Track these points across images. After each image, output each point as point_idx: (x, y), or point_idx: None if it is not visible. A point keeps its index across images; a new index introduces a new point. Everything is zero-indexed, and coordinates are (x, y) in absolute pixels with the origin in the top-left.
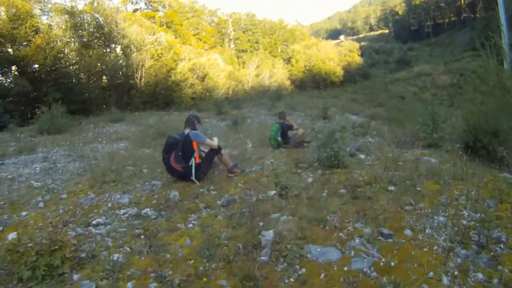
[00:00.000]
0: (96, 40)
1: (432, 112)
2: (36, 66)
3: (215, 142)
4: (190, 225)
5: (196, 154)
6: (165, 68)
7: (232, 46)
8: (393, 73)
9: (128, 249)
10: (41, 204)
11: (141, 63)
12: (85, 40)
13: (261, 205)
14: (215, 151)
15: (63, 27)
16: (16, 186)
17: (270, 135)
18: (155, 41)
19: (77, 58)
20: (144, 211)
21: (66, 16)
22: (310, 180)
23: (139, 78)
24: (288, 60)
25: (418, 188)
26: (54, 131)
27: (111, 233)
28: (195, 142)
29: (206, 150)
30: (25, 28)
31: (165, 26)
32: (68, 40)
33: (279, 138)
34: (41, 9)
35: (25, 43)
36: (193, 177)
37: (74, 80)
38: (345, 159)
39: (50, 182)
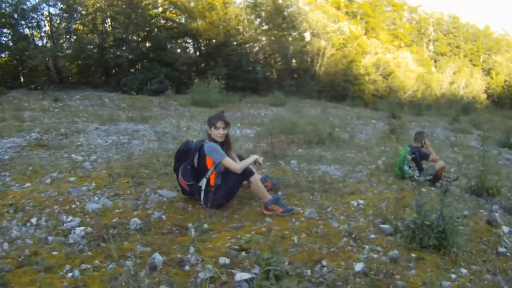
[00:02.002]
0: (273, 22)
1: None
2: (207, 41)
3: (239, 163)
4: None
5: (211, 175)
6: (346, 59)
7: (432, 47)
8: None
9: None
10: (48, 181)
11: (322, 51)
12: (262, 20)
13: None
14: (240, 176)
15: (239, 7)
16: (66, 155)
17: (395, 161)
18: (338, 30)
19: (251, 38)
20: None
21: None
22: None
23: (318, 65)
24: (487, 72)
25: None
26: (205, 104)
27: None
28: (209, 158)
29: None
30: (202, 3)
31: (358, 17)
32: (244, 18)
33: (406, 168)
34: None
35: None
36: (201, 202)
37: (243, 58)
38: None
39: (92, 158)
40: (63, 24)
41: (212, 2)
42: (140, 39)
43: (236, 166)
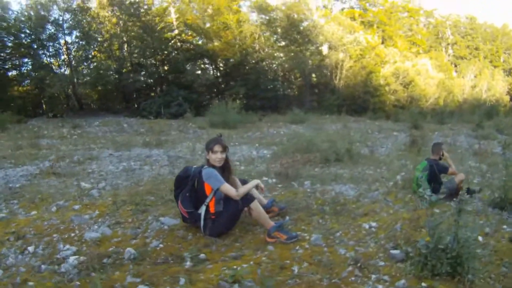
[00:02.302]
0: (289, 38)
1: None
2: (224, 61)
3: (239, 189)
4: None
5: (210, 202)
6: (365, 71)
7: (451, 51)
8: None
9: None
10: (54, 209)
11: (340, 64)
12: (278, 37)
13: None
14: (240, 203)
15: (254, 24)
16: (75, 183)
17: (414, 177)
18: (354, 40)
19: (268, 55)
20: None
21: (256, 12)
22: None
23: (337, 79)
24: (508, 72)
25: None
26: (224, 125)
27: None
28: (207, 184)
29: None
30: (217, 23)
31: (374, 26)
32: (259, 36)
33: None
34: (228, 5)
35: (216, 38)
36: (201, 230)
37: (261, 76)
38: None
39: (100, 186)
40: (80, 51)
41: (227, 21)
42: (157, 63)
43: (235, 192)
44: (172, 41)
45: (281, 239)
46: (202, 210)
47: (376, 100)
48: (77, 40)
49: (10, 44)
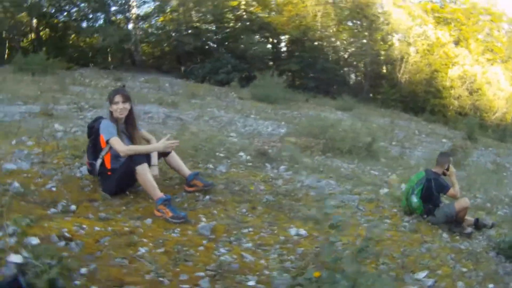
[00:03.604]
0: (353, 20)
1: None
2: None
3: (133, 146)
4: None
5: (105, 156)
6: (430, 69)
7: None
8: None
9: None
10: (14, 142)
11: (405, 57)
12: (342, 18)
13: None
14: (128, 163)
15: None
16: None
17: (405, 189)
18: (423, 34)
19: (329, 35)
20: None
21: None
22: None
23: (401, 72)
24: None
25: None
26: (267, 99)
27: None
28: (102, 136)
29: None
30: None
31: (452, 24)
32: (322, 14)
33: (415, 200)
34: None
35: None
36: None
37: (319, 56)
38: None
39: (72, 130)
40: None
41: None
42: (216, 29)
43: (122, 148)
44: (236, 12)
45: (166, 215)
46: (98, 163)
47: (436, 102)
48: None
49: None
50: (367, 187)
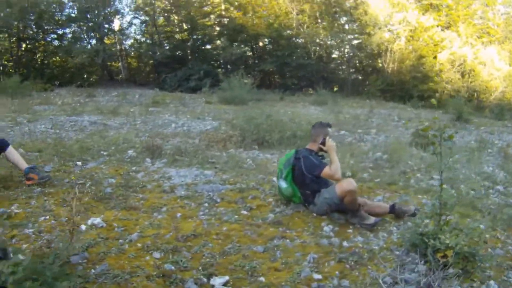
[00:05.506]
0: (329, 13)
1: None
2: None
3: None
4: None
5: None
6: (415, 54)
7: None
8: None
9: None
10: None
11: (386, 45)
12: (316, 12)
13: None
14: None
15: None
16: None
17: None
18: (403, 20)
19: (304, 32)
20: None
21: None
22: None
23: (385, 62)
24: None
25: None
26: (231, 101)
27: None
28: None
29: None
30: None
31: (442, 12)
32: (295, 10)
33: (284, 185)
34: None
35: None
36: None
37: (294, 54)
38: None
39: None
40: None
41: None
42: (186, 35)
43: None
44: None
45: (35, 179)
46: None
47: (425, 87)
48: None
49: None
50: (259, 176)
